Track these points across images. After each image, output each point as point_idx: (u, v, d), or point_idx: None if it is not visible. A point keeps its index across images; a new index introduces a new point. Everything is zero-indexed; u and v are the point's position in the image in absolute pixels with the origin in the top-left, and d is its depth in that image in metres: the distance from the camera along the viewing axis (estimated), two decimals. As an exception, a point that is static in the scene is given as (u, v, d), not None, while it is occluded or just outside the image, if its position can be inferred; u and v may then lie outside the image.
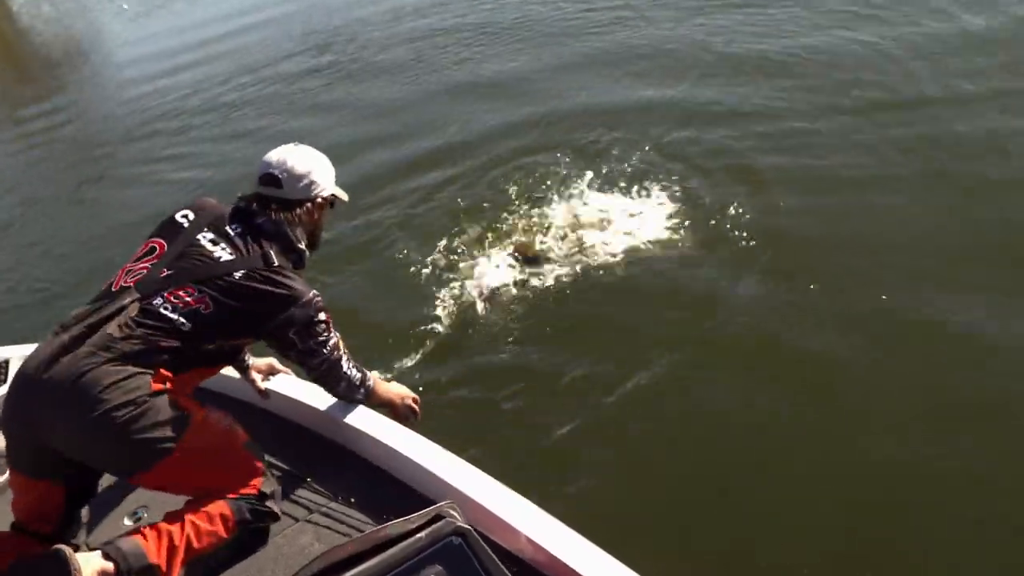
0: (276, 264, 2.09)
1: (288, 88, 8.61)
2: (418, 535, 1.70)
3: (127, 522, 2.34)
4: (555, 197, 4.91)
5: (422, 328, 4.03)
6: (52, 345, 1.95)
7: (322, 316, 2.15)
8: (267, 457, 2.25)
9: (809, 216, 4.34)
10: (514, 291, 4.18)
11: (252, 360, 2.58)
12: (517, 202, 4.98)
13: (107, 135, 9.11)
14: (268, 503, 2.10)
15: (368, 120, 7.17)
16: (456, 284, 4.32)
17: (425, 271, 4.51)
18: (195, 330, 1.99)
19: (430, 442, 2.25)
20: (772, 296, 3.80)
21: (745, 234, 4.24)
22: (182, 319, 1.98)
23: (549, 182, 5.10)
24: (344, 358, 2.24)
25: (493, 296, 4.12)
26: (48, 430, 1.94)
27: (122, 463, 2.02)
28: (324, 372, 2.21)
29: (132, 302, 1.97)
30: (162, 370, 1.97)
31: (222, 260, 2.06)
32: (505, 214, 4.87)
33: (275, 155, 2.27)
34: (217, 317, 2.02)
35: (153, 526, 1.99)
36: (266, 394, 2.58)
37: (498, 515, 1.99)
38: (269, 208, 2.20)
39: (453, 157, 5.83)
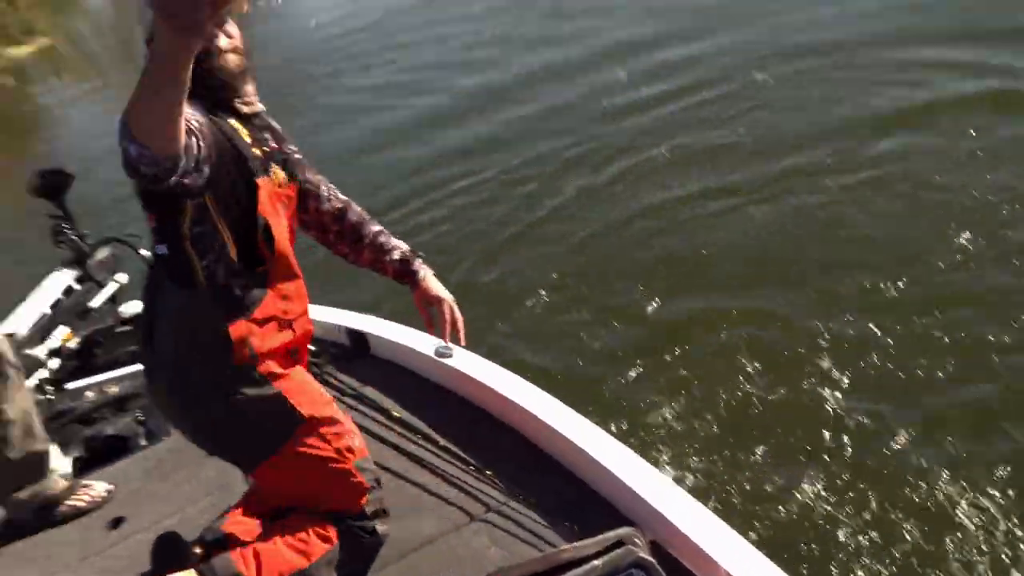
0: None
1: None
2: (593, 563, 1.55)
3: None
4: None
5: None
6: None
7: None
8: (443, 441, 2.10)
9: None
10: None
11: (425, 274, 1.93)
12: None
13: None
14: (376, 523, 1.83)
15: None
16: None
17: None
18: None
19: (625, 447, 2.00)
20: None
21: None
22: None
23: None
24: None
25: None
26: None
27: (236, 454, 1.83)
28: None
29: None
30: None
31: None
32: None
33: None
34: None
35: (248, 547, 1.77)
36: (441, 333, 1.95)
37: (697, 543, 1.72)
38: None
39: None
